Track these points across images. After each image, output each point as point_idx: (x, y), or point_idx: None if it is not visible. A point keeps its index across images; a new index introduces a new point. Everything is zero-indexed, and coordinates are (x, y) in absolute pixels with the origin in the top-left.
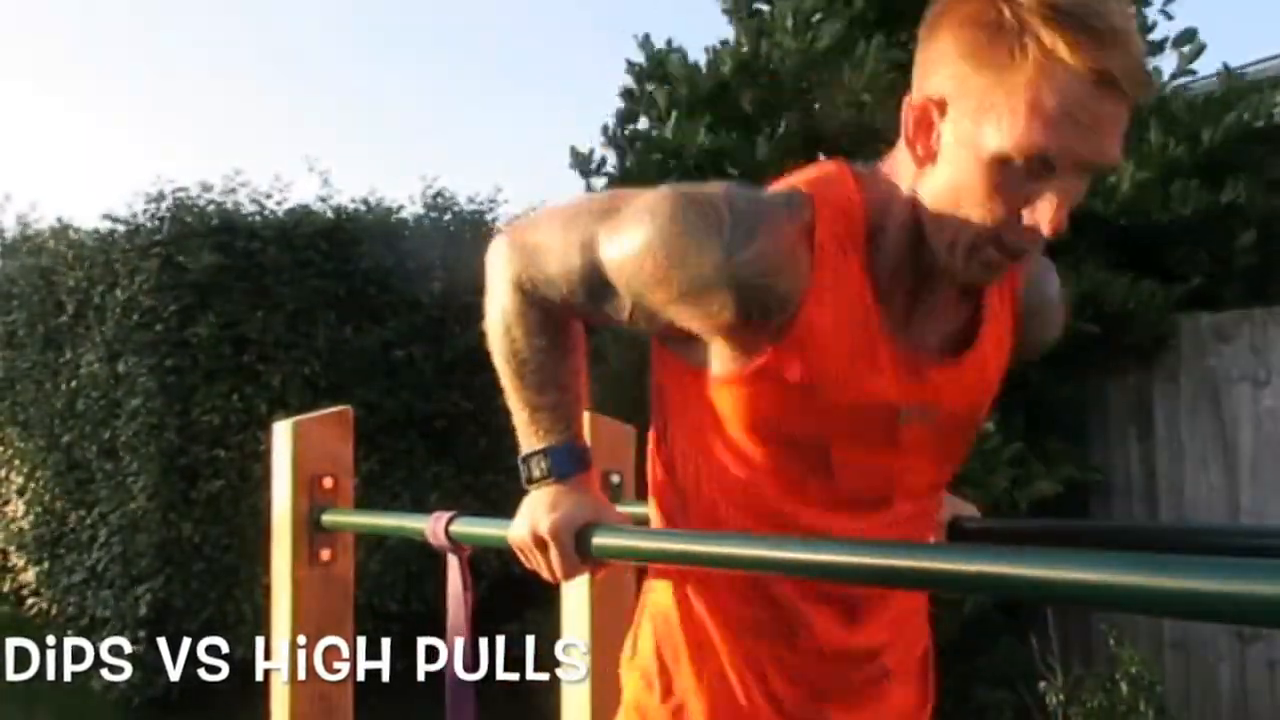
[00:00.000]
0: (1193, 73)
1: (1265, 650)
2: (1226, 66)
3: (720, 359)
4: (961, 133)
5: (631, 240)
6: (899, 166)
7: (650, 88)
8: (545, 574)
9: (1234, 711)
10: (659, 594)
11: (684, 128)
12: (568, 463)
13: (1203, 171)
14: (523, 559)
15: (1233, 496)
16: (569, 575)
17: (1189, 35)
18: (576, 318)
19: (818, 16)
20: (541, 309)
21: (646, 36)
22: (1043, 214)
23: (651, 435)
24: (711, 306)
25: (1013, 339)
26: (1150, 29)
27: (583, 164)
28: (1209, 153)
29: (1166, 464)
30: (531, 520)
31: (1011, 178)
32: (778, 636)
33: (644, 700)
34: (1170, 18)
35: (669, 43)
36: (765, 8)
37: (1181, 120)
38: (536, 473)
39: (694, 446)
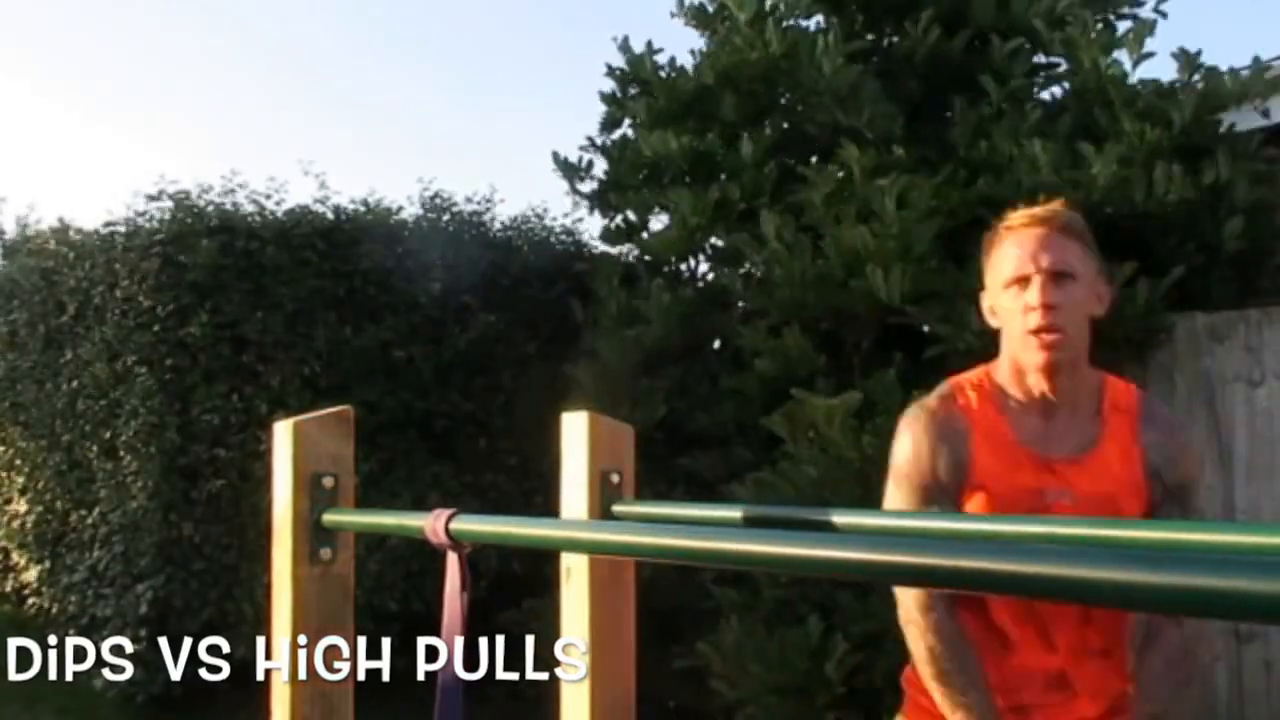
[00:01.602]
0: (1152, 54)
1: (1262, 650)
2: (1185, 52)
3: (962, 494)
4: (993, 288)
5: (893, 478)
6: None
7: (632, 92)
8: None
9: (1230, 712)
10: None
11: (663, 139)
12: None
13: (1182, 154)
14: None
15: (1228, 496)
16: None
17: (1148, 26)
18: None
19: (771, 2)
20: (945, 621)
21: (625, 39)
22: (1032, 302)
23: None
24: (939, 458)
25: (1141, 457)
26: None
27: (568, 170)
28: (1184, 134)
29: None
30: None
31: (1014, 293)
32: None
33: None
34: (1133, 19)
35: (649, 44)
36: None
37: (1155, 107)
38: None
39: None
